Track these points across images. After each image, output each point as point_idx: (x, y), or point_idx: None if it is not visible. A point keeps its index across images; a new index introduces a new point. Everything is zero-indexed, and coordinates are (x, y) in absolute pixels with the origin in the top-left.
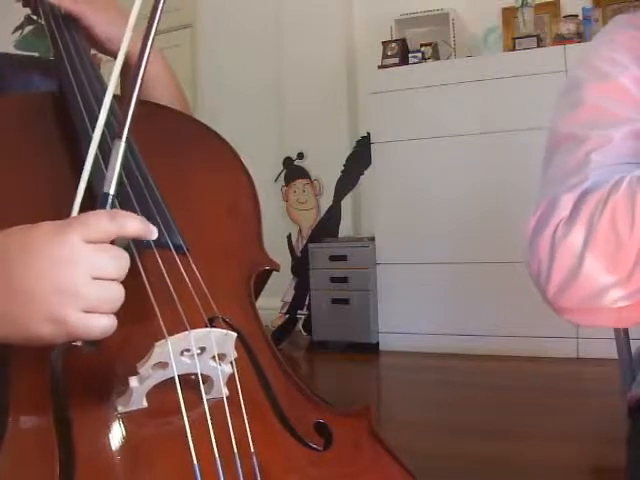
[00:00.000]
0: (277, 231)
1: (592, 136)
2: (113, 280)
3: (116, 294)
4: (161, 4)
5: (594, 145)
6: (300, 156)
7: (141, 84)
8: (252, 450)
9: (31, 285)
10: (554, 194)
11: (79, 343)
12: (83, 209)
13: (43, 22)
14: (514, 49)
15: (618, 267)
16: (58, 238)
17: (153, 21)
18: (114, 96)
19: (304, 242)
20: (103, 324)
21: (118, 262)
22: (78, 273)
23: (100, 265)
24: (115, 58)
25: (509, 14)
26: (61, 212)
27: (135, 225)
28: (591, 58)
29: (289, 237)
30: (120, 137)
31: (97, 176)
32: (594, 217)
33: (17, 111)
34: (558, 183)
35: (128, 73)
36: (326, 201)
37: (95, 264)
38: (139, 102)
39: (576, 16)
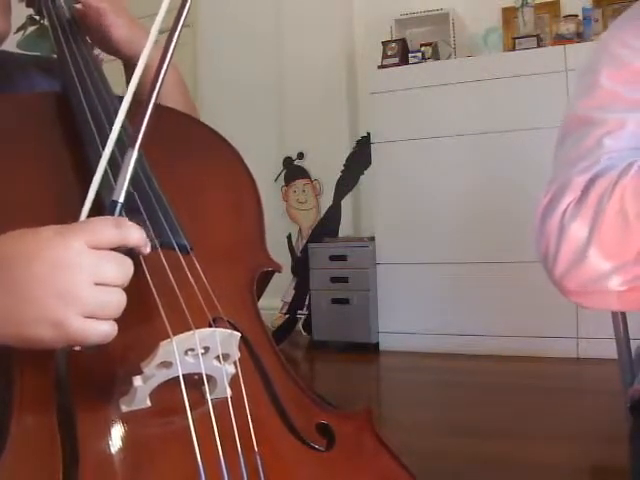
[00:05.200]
0: (277, 231)
1: (606, 120)
2: (115, 286)
3: (117, 300)
4: (185, 13)
5: (607, 129)
6: (300, 156)
7: (158, 94)
8: (256, 449)
9: (32, 288)
10: (565, 176)
11: (78, 348)
12: (89, 215)
13: (47, 22)
14: (514, 49)
15: (623, 252)
16: (61, 242)
17: (174, 32)
18: (118, 100)
19: (304, 242)
20: (102, 330)
21: (121, 268)
22: (79, 278)
23: (102, 271)
24: (123, 60)
25: (509, 14)
26: (64, 214)
27: (137, 236)
28: (608, 43)
29: (289, 237)
30: (133, 146)
31: (104, 182)
32: (603, 200)
33: (20, 110)
34: (570, 166)
35: (142, 78)
36: (326, 201)
37: (97, 269)
38: (138, 101)
39: (576, 16)
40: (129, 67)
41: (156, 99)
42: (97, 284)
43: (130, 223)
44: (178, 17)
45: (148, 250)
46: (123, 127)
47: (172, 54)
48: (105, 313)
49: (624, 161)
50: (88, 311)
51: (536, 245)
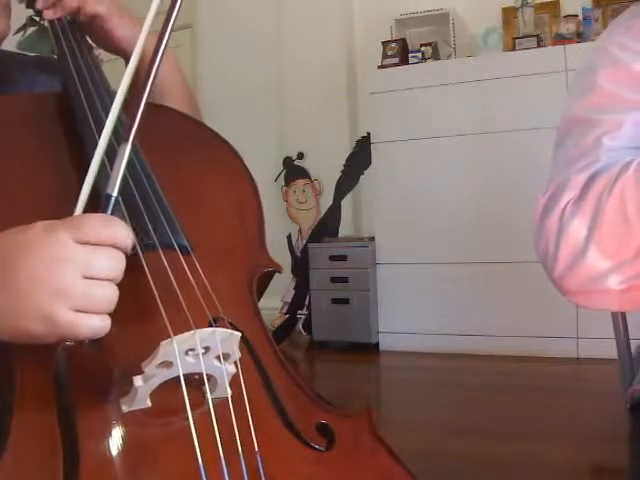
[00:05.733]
0: (277, 231)
1: (604, 120)
2: (107, 280)
3: (108, 294)
4: (177, 8)
5: (606, 129)
6: (300, 156)
7: (150, 88)
8: (256, 449)
9: (23, 283)
10: (564, 175)
11: (71, 343)
12: (87, 209)
13: (46, 23)
14: (514, 49)
15: (623, 249)
16: (49, 236)
17: (166, 27)
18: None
19: (304, 242)
20: (93, 324)
21: (112, 262)
22: (68, 271)
23: (92, 264)
24: (125, 58)
25: (509, 14)
26: (64, 212)
27: (125, 235)
28: (606, 44)
29: (289, 237)
30: (126, 140)
31: (102, 177)
32: (602, 197)
33: (21, 110)
34: (569, 165)
35: (137, 74)
36: (326, 201)
37: (86, 263)
38: (135, 98)
39: (576, 16)
40: None
41: (150, 90)
42: (87, 277)
43: (120, 222)
44: (172, 6)
45: (127, 253)
46: (120, 120)
47: (167, 43)
48: (96, 307)
49: (624, 159)
50: (78, 305)
51: (535, 245)
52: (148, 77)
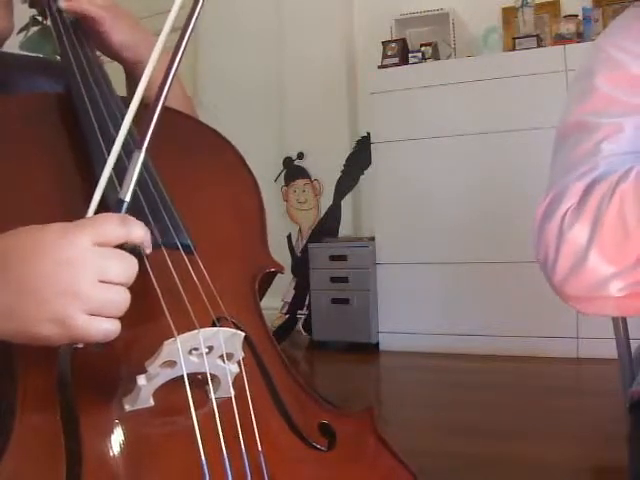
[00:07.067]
0: (277, 231)
1: (603, 125)
2: (120, 285)
3: (121, 299)
4: (195, 15)
5: (605, 134)
6: (300, 156)
7: (166, 96)
8: (259, 449)
9: (36, 285)
10: (564, 182)
11: (81, 345)
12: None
13: (49, 23)
14: (514, 49)
15: (623, 257)
16: (66, 239)
17: (183, 38)
18: (121, 100)
19: (304, 242)
20: (105, 328)
21: (125, 267)
22: (83, 275)
23: (107, 268)
24: (124, 65)
25: (509, 14)
26: (68, 214)
27: (140, 234)
28: (604, 46)
29: (289, 237)
30: (140, 148)
31: (108, 182)
32: (602, 206)
33: (22, 110)
34: (568, 171)
35: (135, 80)
36: (326, 201)
37: (102, 267)
38: (144, 105)
39: (576, 16)
40: (130, 74)
41: (164, 101)
42: (101, 282)
43: (135, 220)
44: (187, 22)
45: (149, 251)
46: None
47: (182, 55)
48: (109, 311)
49: (623, 166)
50: (92, 309)
51: (535, 251)
52: (163, 86)
